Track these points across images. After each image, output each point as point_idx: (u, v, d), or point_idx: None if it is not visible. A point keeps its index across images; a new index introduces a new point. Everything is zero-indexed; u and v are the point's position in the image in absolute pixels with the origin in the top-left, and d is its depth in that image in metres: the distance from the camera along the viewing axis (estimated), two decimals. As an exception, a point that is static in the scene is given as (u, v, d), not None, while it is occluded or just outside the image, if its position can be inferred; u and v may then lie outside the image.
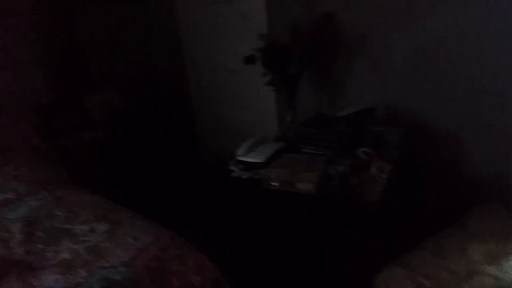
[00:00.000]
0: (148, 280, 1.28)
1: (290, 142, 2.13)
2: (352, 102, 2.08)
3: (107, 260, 1.34)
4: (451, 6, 1.67)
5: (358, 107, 1.97)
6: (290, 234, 1.80)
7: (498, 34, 1.57)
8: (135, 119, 2.86)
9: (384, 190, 1.63)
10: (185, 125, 3.05)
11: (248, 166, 2.03)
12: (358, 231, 1.57)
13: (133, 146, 2.75)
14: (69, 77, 2.83)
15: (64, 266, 1.35)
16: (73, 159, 2.44)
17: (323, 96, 2.25)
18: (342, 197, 1.69)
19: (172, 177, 2.70)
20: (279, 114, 2.46)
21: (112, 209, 1.65)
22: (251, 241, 1.94)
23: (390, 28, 1.88)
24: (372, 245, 1.59)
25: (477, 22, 1.61)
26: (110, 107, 2.80)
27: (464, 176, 1.80)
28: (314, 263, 1.73)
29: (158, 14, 3.08)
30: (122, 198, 1.84)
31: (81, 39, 2.89)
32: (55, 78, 2.78)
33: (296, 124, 2.15)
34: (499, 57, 1.59)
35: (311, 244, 1.72)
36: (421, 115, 1.88)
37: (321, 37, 2.05)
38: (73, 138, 2.61)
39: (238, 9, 2.50)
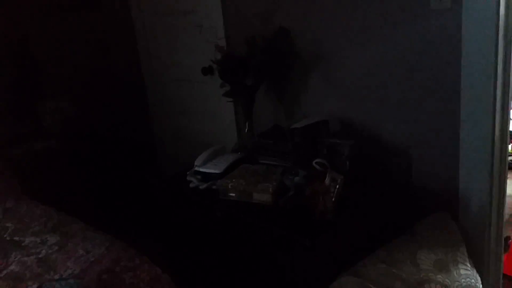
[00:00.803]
0: (99, 293, 1.26)
1: (247, 153, 2.16)
2: (308, 114, 2.13)
3: (57, 272, 1.31)
4: (398, 28, 1.76)
5: (313, 120, 2.03)
6: (247, 244, 1.81)
7: (440, 54, 1.67)
8: (90, 128, 2.80)
9: (337, 200, 1.68)
10: (143, 135, 3.02)
11: (205, 176, 2.03)
12: (313, 241, 1.61)
13: (87, 156, 2.69)
14: (20, 85, 2.74)
15: (12, 278, 1.31)
16: (24, 169, 2.35)
17: (279, 108, 2.30)
18: (298, 207, 1.73)
19: (128, 187, 2.65)
20: (238, 125, 2.49)
21: (63, 221, 1.61)
22: (209, 252, 1.94)
23: (343, 45, 1.95)
24: (326, 255, 1.63)
25: (423, 43, 1.70)
26: (63, 116, 2.73)
27: (413, 187, 1.88)
28: (271, 273, 1.75)
29: (114, 23, 3.05)
30: (76, 209, 1.80)
31: (33, 47, 2.81)
32: (4, 85, 2.68)
33: (253, 136, 2.18)
34: (443, 77, 1.69)
35: (268, 254, 1.74)
36: (372, 128, 1.96)
37: (277, 50, 2.10)
38: (24, 148, 2.53)
39: (195, 20, 2.52)
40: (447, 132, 1.73)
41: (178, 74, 2.76)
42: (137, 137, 3.00)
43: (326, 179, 1.73)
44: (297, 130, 1.98)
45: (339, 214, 1.66)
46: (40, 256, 1.40)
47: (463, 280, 1.46)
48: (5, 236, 1.56)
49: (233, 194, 1.87)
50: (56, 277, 1.29)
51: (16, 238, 1.53)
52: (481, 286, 1.51)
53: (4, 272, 1.37)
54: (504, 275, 1.96)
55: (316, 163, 1.84)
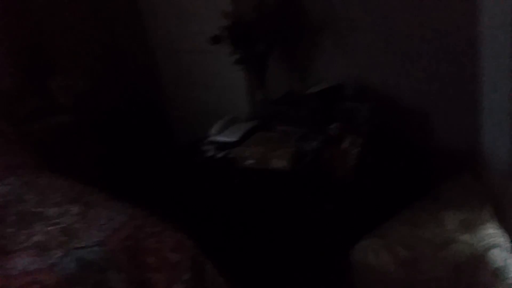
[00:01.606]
0: (124, 259, 1.28)
1: (262, 121, 2.14)
2: (321, 79, 2.09)
3: (81, 241, 1.32)
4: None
5: (327, 84, 2.00)
6: (266, 211, 1.82)
7: (463, 12, 1.61)
8: (103, 102, 2.80)
9: (357, 163, 1.67)
10: (155, 107, 3.01)
11: (221, 145, 2.03)
12: (334, 204, 1.61)
13: (102, 129, 2.70)
14: (32, 61, 2.73)
15: (38, 247, 1.33)
16: (41, 144, 2.37)
17: (292, 74, 2.26)
18: (316, 172, 1.72)
19: (144, 159, 2.66)
20: (249, 94, 2.46)
21: (84, 192, 1.62)
22: (227, 220, 1.95)
23: (356, 7, 1.89)
24: (348, 218, 1.63)
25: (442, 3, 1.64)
26: (75, 91, 2.72)
27: (434, 149, 1.86)
28: (291, 239, 1.76)
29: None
30: (93, 182, 1.81)
31: (42, 22, 2.79)
32: (17, 62, 2.68)
33: (267, 103, 2.16)
34: (465, 34, 1.63)
35: (288, 220, 1.75)
36: (389, 91, 1.93)
37: (286, 15, 2.05)
38: (39, 123, 2.54)
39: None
40: (467, 93, 1.69)
41: (187, 44, 2.72)
42: (150, 110, 2.99)
43: (345, 142, 1.72)
44: (312, 95, 1.96)
45: (359, 177, 1.65)
46: (63, 225, 1.42)
47: (490, 239, 1.44)
48: (27, 207, 1.58)
49: (250, 162, 1.87)
50: (81, 245, 1.31)
51: (39, 209, 1.55)
52: (510, 244, 1.49)
53: (29, 241, 1.39)
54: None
55: (333, 127, 1.82)
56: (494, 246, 1.42)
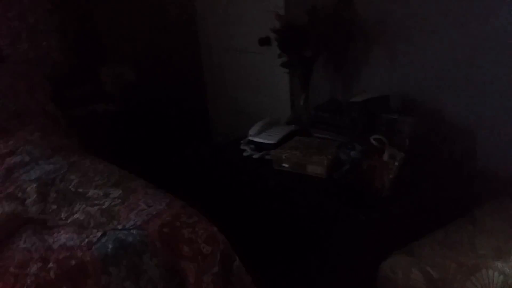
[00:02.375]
0: (159, 245, 1.31)
1: (302, 126, 2.15)
2: (366, 88, 2.08)
3: (119, 223, 1.36)
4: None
5: (372, 94, 1.98)
6: (298, 215, 1.81)
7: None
8: (147, 95, 2.88)
9: (396, 177, 1.64)
10: (197, 104, 3.06)
11: (259, 146, 2.05)
12: (368, 216, 1.59)
13: (144, 121, 2.77)
14: (85, 48, 2.84)
15: (77, 225, 1.38)
16: (85, 129, 2.46)
17: (337, 81, 2.25)
18: (352, 182, 1.70)
19: (183, 153, 2.71)
20: (292, 97, 2.47)
21: (125, 177, 1.67)
22: (259, 220, 1.96)
23: (411, 17, 1.87)
24: (380, 231, 1.60)
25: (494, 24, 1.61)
26: (123, 81, 2.82)
27: (476, 170, 1.81)
28: (321, 247, 1.75)
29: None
30: (131, 171, 1.86)
31: (98, 11, 2.90)
32: (70, 48, 2.79)
33: (309, 108, 2.16)
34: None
35: (320, 227, 1.74)
36: (436, 106, 1.89)
37: (338, 21, 2.05)
38: (86, 109, 2.64)
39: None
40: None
41: (234, 44, 2.76)
42: (191, 106, 3.05)
43: (384, 155, 1.69)
44: (356, 104, 1.94)
45: (396, 192, 1.62)
46: (103, 207, 1.47)
47: (524, 270, 1.39)
48: (70, 187, 1.64)
49: (287, 165, 1.87)
50: (119, 226, 1.35)
51: (80, 190, 1.61)
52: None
53: (70, 219, 1.45)
54: None
55: (374, 138, 1.80)
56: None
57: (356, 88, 2.15)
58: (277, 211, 1.89)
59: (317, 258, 1.77)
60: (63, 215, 1.47)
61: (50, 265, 1.21)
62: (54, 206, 1.53)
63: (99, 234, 1.32)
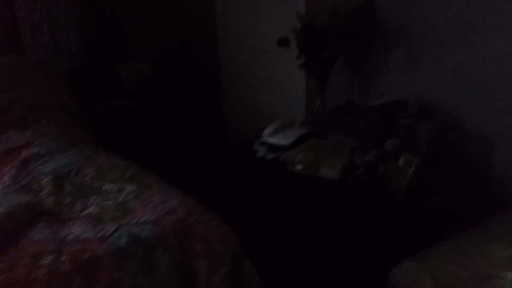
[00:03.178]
0: (173, 241, 1.31)
1: (317, 128, 2.13)
2: (384, 92, 2.06)
3: (134, 217, 1.37)
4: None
5: (389, 98, 1.96)
6: (311, 217, 1.80)
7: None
8: (164, 91, 2.89)
9: (410, 183, 1.62)
10: (212, 102, 3.07)
11: (273, 147, 2.04)
12: (382, 220, 1.57)
13: (160, 118, 2.78)
14: (104, 43, 2.86)
15: (92, 219, 1.39)
16: (101, 124, 2.48)
17: (354, 84, 2.24)
18: (366, 186, 1.69)
19: (196, 152, 2.72)
20: (307, 99, 2.46)
21: (140, 173, 1.68)
22: (271, 221, 1.96)
23: (432, 23, 1.85)
24: (393, 236, 1.59)
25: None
26: (140, 77, 2.83)
27: (492, 179, 1.78)
28: (333, 249, 1.74)
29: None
30: (146, 168, 1.87)
31: (118, 6, 2.92)
32: (89, 43, 2.82)
33: (325, 110, 2.15)
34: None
35: (332, 229, 1.73)
36: (454, 113, 1.87)
37: (359, 24, 2.03)
38: (103, 104, 2.66)
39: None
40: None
41: (252, 43, 2.76)
42: (207, 104, 3.06)
43: (400, 160, 1.68)
44: (373, 107, 1.93)
45: (411, 197, 1.61)
46: (118, 201, 1.47)
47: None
48: (85, 180, 1.65)
49: (300, 167, 1.86)
50: (133, 221, 1.35)
51: (95, 184, 1.62)
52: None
53: (85, 212, 1.45)
54: None
55: (390, 143, 1.78)
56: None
57: (373, 92, 2.14)
58: (289, 213, 1.88)
59: (329, 260, 1.76)
60: (77, 208, 1.48)
61: (63, 257, 1.21)
62: (69, 199, 1.54)
63: (113, 228, 1.32)
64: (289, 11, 2.26)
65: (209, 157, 2.43)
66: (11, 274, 1.14)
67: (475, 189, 1.78)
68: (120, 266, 1.21)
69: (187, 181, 2.05)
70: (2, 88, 2.24)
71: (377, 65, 2.11)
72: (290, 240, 1.88)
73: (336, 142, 1.98)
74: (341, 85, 2.26)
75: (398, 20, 1.97)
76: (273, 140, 2.07)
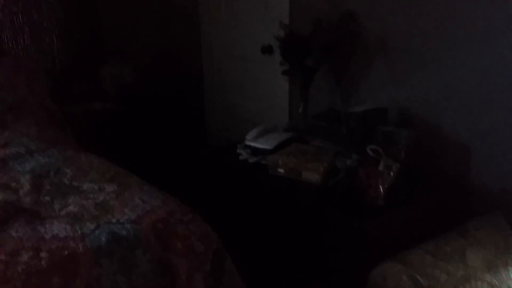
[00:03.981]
0: (153, 240, 1.30)
1: (299, 134, 2.16)
2: (365, 100, 2.10)
3: (114, 216, 1.36)
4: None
5: (371, 106, 2.00)
6: (291, 221, 1.81)
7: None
8: (146, 96, 2.88)
9: (390, 187, 1.65)
10: (194, 107, 3.07)
11: (256, 151, 2.05)
12: (362, 223, 1.59)
13: (141, 122, 2.77)
14: (85, 47, 2.85)
15: (71, 217, 1.37)
16: (82, 127, 2.45)
17: (336, 92, 2.28)
18: (347, 190, 1.71)
19: (177, 155, 2.71)
20: (290, 105, 2.48)
21: (120, 173, 1.66)
22: (253, 224, 1.96)
23: (413, 33, 1.91)
24: (373, 239, 1.61)
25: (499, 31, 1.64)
26: (122, 81, 2.82)
27: (469, 184, 1.83)
28: (314, 251, 1.75)
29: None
30: (127, 169, 1.86)
31: (101, 11, 2.91)
32: (71, 46, 2.80)
33: (307, 116, 2.18)
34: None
35: (313, 232, 1.74)
36: (432, 121, 1.91)
37: (342, 33, 2.08)
38: (83, 106, 2.64)
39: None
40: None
41: (236, 51, 2.78)
42: (189, 109, 3.06)
43: (380, 165, 1.71)
44: (354, 114, 1.96)
45: (391, 201, 1.63)
46: (97, 201, 1.46)
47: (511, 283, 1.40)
48: (64, 180, 1.63)
49: (282, 170, 1.88)
50: (113, 220, 1.34)
51: (75, 183, 1.60)
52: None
53: (63, 211, 1.43)
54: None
55: (370, 148, 1.81)
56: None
57: (355, 99, 2.18)
58: (270, 216, 1.89)
59: (310, 262, 1.76)
60: (56, 207, 1.45)
61: (42, 254, 1.19)
62: (48, 198, 1.51)
63: (92, 226, 1.31)
64: (273, 19, 2.30)
65: (189, 160, 2.43)
66: (-12, 270, 1.12)
67: (453, 194, 1.82)
68: (99, 263, 1.20)
69: (168, 184, 2.04)
70: (-19, 89, 2.21)
71: (358, 73, 2.16)
72: (271, 243, 1.89)
73: (318, 147, 2.01)
74: (323, 92, 2.30)
75: (378, 31, 2.02)
76: (256, 144, 2.08)
